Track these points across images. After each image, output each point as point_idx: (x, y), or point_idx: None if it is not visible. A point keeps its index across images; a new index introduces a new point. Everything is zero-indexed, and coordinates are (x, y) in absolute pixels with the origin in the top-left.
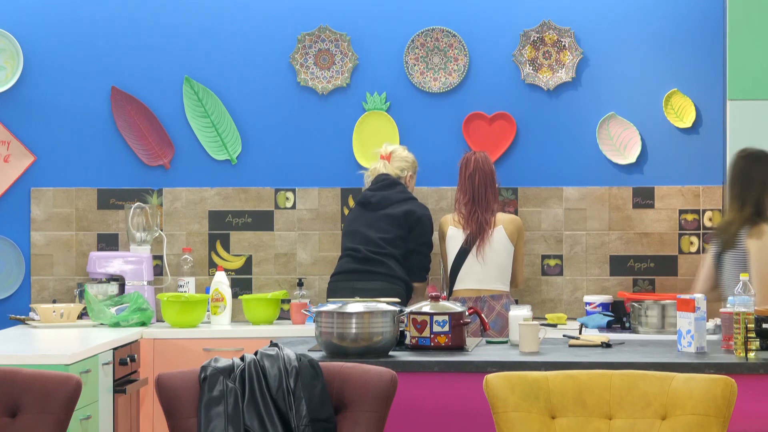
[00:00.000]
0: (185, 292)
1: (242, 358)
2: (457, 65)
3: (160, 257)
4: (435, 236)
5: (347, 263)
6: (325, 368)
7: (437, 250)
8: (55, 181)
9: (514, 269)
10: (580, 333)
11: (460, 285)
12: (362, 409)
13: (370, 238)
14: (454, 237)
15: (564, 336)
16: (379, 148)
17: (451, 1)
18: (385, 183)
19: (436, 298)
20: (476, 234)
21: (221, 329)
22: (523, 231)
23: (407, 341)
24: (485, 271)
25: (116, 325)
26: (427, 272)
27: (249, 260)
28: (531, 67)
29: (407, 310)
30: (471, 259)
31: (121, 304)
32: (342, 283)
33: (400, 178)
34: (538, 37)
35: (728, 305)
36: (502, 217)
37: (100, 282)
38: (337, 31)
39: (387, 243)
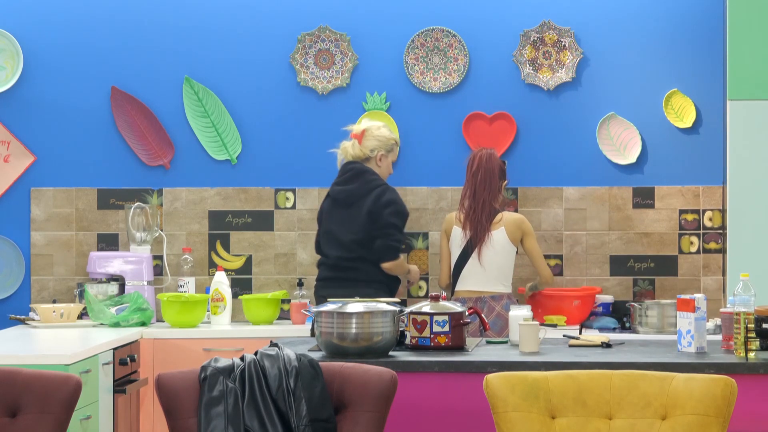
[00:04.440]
0: (185, 292)
1: (242, 358)
2: (457, 65)
3: (160, 257)
4: (440, 233)
5: (325, 270)
6: (325, 368)
7: (436, 249)
8: (55, 181)
9: (537, 268)
10: (580, 333)
11: (461, 286)
12: (362, 409)
13: (342, 242)
14: (457, 237)
15: (564, 336)
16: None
17: (451, 1)
18: (351, 174)
19: (436, 298)
20: (476, 236)
21: (221, 329)
22: (528, 229)
23: (407, 341)
24: (485, 273)
25: (116, 325)
26: (397, 251)
27: (249, 260)
28: (531, 67)
29: (407, 310)
30: (472, 260)
31: (121, 304)
32: (324, 290)
33: (369, 159)
34: (538, 37)
35: (728, 305)
36: (505, 218)
37: (100, 282)
38: (337, 31)
39: (359, 245)
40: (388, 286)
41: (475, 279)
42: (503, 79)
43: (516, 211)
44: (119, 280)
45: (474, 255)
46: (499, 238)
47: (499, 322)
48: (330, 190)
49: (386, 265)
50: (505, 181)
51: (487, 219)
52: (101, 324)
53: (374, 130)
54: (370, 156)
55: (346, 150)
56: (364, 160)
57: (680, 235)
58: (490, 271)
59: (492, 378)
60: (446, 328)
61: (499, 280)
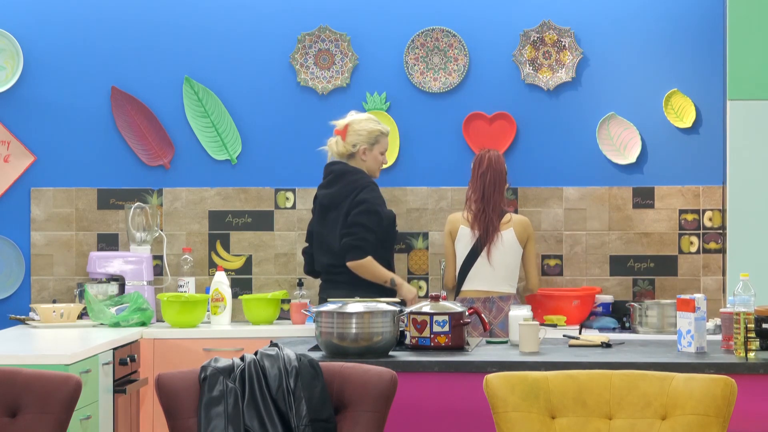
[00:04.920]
0: (185, 292)
1: (242, 358)
2: (457, 65)
3: (160, 257)
4: (444, 235)
5: (323, 274)
6: (325, 368)
7: (439, 250)
8: (55, 181)
9: (528, 273)
10: (580, 333)
11: (468, 285)
12: (362, 409)
13: (332, 249)
14: (464, 237)
15: (564, 336)
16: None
17: (451, 1)
18: (333, 177)
19: (436, 298)
20: (485, 235)
21: (221, 329)
22: (532, 233)
23: (407, 341)
24: (494, 273)
25: (116, 325)
26: (360, 250)
27: (249, 260)
28: (531, 67)
29: (407, 310)
30: (481, 260)
31: (121, 304)
32: (325, 293)
33: (353, 155)
34: (538, 37)
35: (728, 305)
36: (514, 218)
37: (100, 282)
38: (337, 31)
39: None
40: (382, 288)
41: (484, 279)
42: (503, 79)
43: (516, 211)
44: (119, 280)
45: (483, 254)
46: (508, 238)
47: (508, 323)
48: (316, 192)
49: (350, 264)
50: (507, 185)
51: (497, 219)
52: (101, 324)
53: (356, 124)
54: (353, 151)
55: (332, 147)
56: (348, 156)
57: (680, 235)
58: (499, 271)
59: (492, 378)
60: (446, 328)
61: (507, 280)
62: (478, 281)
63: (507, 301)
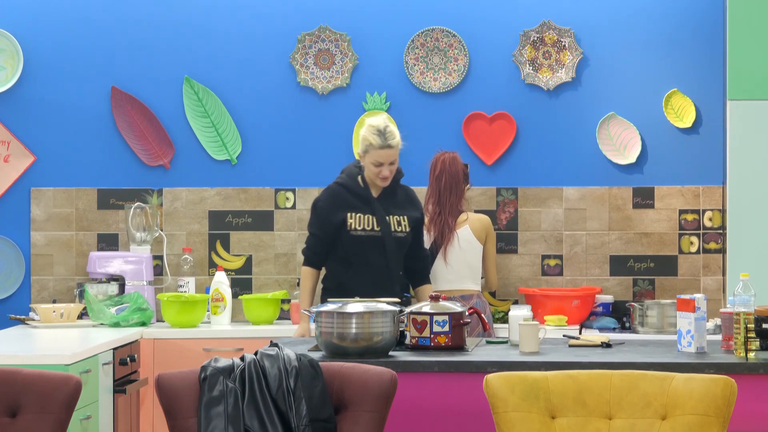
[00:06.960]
0: (185, 292)
1: (242, 358)
2: (457, 65)
3: (160, 257)
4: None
5: None
6: (325, 368)
7: None
8: (55, 181)
9: (486, 272)
10: (580, 333)
11: None
12: (362, 409)
13: None
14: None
15: (564, 336)
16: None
17: (451, 1)
18: None
19: (436, 298)
20: (441, 236)
21: (221, 329)
22: (491, 231)
23: (407, 341)
24: (454, 272)
25: (116, 325)
26: (305, 258)
27: (249, 260)
28: (531, 67)
29: (407, 310)
30: (438, 261)
31: (121, 304)
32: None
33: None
34: (538, 37)
35: (728, 305)
36: (471, 216)
37: (100, 282)
38: (337, 31)
39: None
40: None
41: (443, 279)
42: (503, 79)
43: (516, 211)
44: (119, 280)
45: (439, 255)
46: (464, 235)
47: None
48: None
49: None
50: (468, 185)
51: (453, 220)
52: (101, 324)
53: (361, 131)
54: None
55: None
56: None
57: (680, 235)
58: (458, 269)
59: (492, 378)
60: (446, 328)
61: (469, 278)
62: (438, 282)
63: (470, 299)
